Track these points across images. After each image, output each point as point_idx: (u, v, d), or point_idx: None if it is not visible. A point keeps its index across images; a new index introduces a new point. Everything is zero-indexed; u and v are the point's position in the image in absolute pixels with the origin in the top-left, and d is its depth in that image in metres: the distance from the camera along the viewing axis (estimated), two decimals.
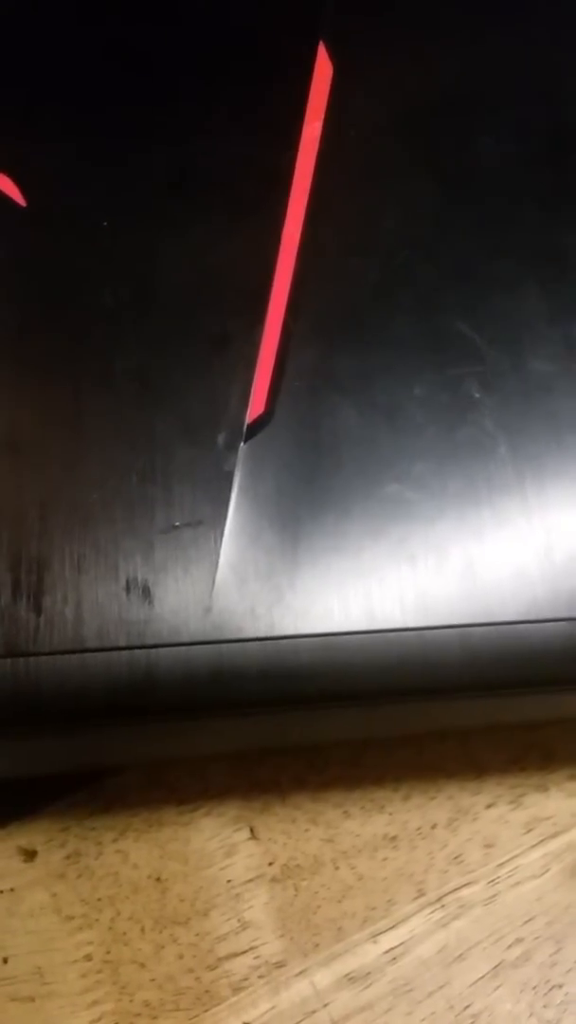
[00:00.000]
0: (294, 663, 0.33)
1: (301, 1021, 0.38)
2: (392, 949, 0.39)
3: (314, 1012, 0.38)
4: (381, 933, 0.40)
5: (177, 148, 0.40)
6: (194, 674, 0.33)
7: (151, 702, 0.33)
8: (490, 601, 0.34)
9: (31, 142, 0.39)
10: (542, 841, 0.42)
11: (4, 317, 0.36)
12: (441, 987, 0.39)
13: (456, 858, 0.41)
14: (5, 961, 0.38)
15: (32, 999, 0.37)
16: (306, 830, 0.41)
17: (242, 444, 0.35)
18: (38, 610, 0.32)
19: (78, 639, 0.32)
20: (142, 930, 0.39)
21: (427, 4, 0.43)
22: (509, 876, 0.41)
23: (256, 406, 0.36)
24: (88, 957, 0.38)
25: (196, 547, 0.34)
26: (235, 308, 0.37)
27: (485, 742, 0.43)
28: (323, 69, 0.41)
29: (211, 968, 0.38)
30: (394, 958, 0.39)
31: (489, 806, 0.42)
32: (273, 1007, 0.38)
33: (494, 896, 0.41)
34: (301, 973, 0.39)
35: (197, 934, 0.39)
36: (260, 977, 0.38)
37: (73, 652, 0.32)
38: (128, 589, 0.33)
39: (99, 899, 0.39)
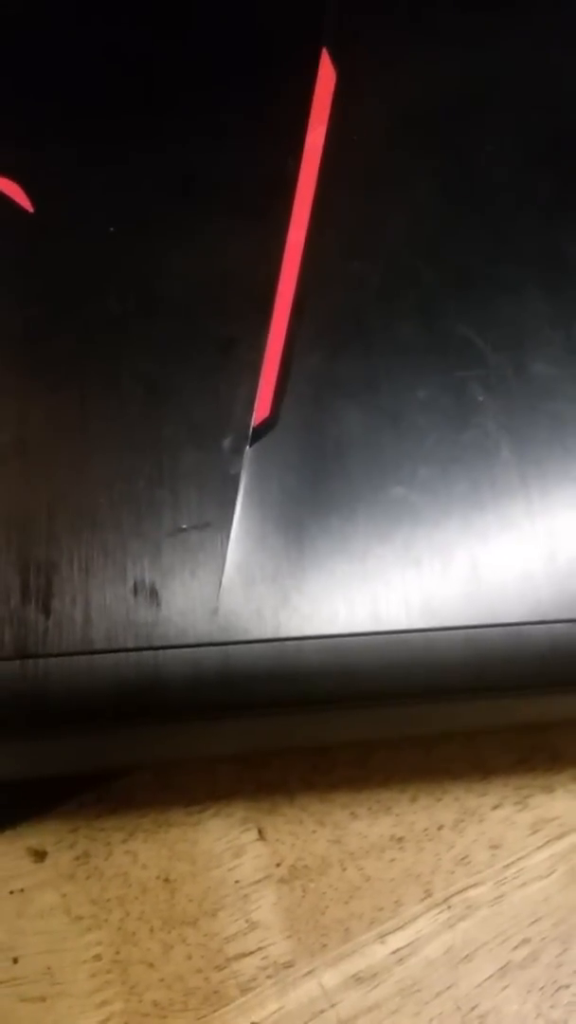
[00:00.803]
0: (300, 664, 0.34)
1: (309, 1021, 0.38)
2: (399, 950, 0.39)
3: (322, 1012, 0.38)
4: (388, 934, 0.40)
5: (182, 154, 0.40)
6: (201, 676, 0.33)
7: (159, 703, 0.33)
8: (495, 603, 0.34)
9: (38, 148, 0.39)
10: (548, 842, 0.42)
11: (12, 322, 0.37)
12: (448, 988, 0.39)
13: (463, 859, 0.41)
14: (15, 961, 0.38)
15: (42, 999, 0.38)
16: (313, 831, 0.41)
17: (248, 447, 0.36)
18: (47, 612, 0.33)
19: (86, 641, 0.33)
20: (151, 930, 0.39)
21: (429, 10, 0.44)
22: (515, 877, 0.41)
23: (261, 410, 0.36)
24: (97, 957, 0.39)
25: (203, 549, 0.34)
26: (240, 313, 0.37)
27: (491, 743, 0.43)
28: (326, 75, 0.42)
29: (219, 968, 0.39)
30: (401, 959, 0.39)
31: (495, 807, 0.42)
32: (281, 1007, 0.38)
33: (501, 897, 0.41)
34: (309, 973, 0.39)
35: (206, 934, 0.39)
36: (268, 977, 0.39)
37: (81, 654, 0.33)
38: (136, 591, 0.33)
39: (108, 899, 0.40)
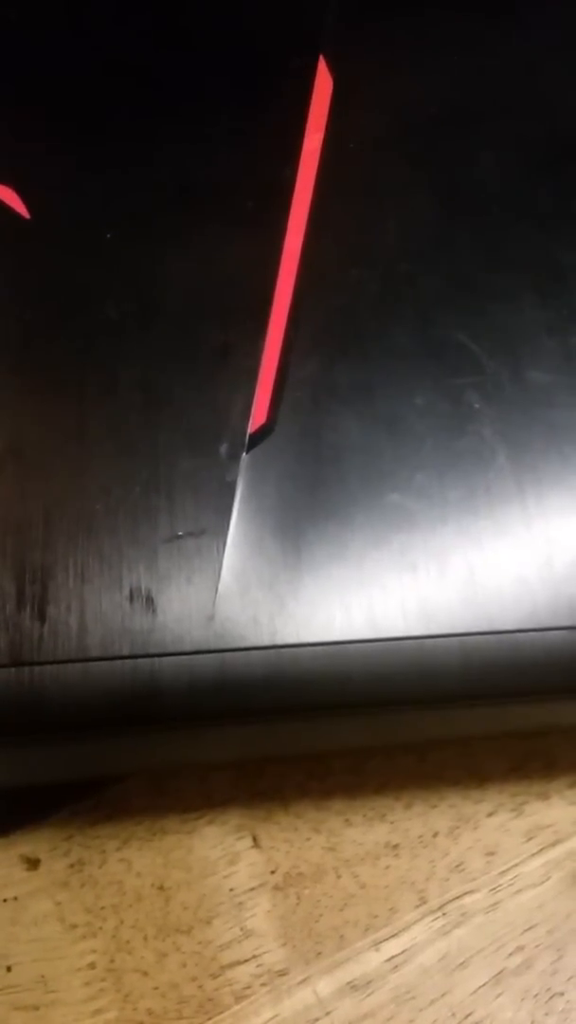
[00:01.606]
0: (296, 672, 0.34)
1: None
2: (394, 957, 0.39)
3: (317, 1020, 0.38)
4: (383, 941, 0.40)
5: (179, 161, 0.40)
6: (197, 683, 0.33)
7: (154, 711, 0.33)
8: (491, 610, 0.34)
9: (35, 155, 0.39)
10: (543, 849, 0.42)
11: (8, 328, 0.37)
12: (443, 995, 0.39)
13: (458, 866, 0.41)
14: (9, 970, 0.38)
15: (36, 1007, 0.38)
16: (308, 838, 0.41)
17: (244, 454, 0.36)
18: (42, 619, 0.33)
19: (82, 648, 0.33)
20: (145, 938, 0.39)
21: (426, 18, 0.44)
22: (510, 884, 0.41)
23: (258, 417, 0.36)
24: (92, 965, 0.38)
25: (199, 556, 0.34)
26: (237, 320, 0.37)
27: (487, 750, 0.43)
28: (323, 83, 0.42)
29: (214, 976, 0.39)
30: (396, 966, 0.39)
31: (490, 814, 0.42)
32: (276, 1015, 0.38)
33: (495, 904, 0.41)
34: (304, 981, 0.39)
35: (200, 942, 0.39)
36: (263, 985, 0.39)
37: (77, 661, 0.33)
38: (131, 598, 0.33)
39: (103, 907, 0.39)
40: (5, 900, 0.39)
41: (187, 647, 0.33)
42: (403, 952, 0.40)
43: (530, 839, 0.42)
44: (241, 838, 0.41)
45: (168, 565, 0.34)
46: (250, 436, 0.36)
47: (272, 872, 0.40)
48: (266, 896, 0.40)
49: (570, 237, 0.40)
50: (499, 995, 0.39)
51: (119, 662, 0.33)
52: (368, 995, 0.39)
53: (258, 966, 0.39)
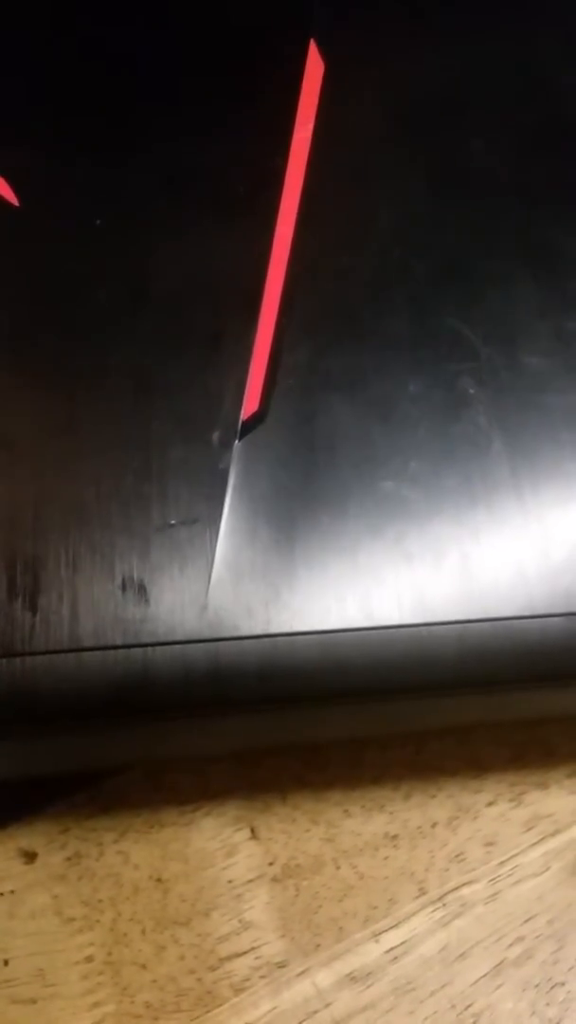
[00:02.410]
0: (291, 661, 0.33)
1: (303, 1021, 0.38)
2: (393, 948, 0.39)
3: (316, 1012, 0.38)
4: (382, 932, 0.39)
5: (170, 147, 0.40)
6: (190, 672, 0.33)
7: (148, 700, 0.33)
8: (487, 597, 0.34)
9: (24, 143, 0.39)
10: (543, 839, 0.42)
11: None
12: (443, 986, 0.39)
13: (457, 856, 0.41)
14: (6, 963, 0.38)
15: (33, 1001, 0.37)
16: (307, 830, 0.41)
17: (237, 442, 0.35)
18: (34, 609, 0.32)
19: (74, 638, 0.32)
20: (143, 931, 0.39)
21: (417, 2, 0.43)
22: (510, 874, 0.41)
23: (250, 404, 0.36)
24: (89, 959, 0.38)
25: (192, 545, 0.34)
26: (229, 307, 0.37)
27: (485, 740, 0.43)
28: (314, 67, 0.41)
29: (212, 969, 0.38)
30: (395, 957, 0.39)
31: (490, 804, 0.42)
32: (275, 1007, 0.38)
33: (495, 894, 0.40)
34: (302, 973, 0.39)
35: (198, 935, 0.39)
36: (261, 977, 0.38)
37: (69, 651, 0.32)
38: (124, 588, 0.33)
39: (100, 900, 0.39)
40: (2, 894, 0.39)
41: (180, 636, 0.33)
42: (403, 943, 0.39)
43: (529, 829, 0.42)
44: (239, 830, 0.41)
45: (161, 554, 0.34)
46: (242, 424, 0.36)
47: (270, 864, 0.40)
48: (264, 888, 0.40)
49: (563, 222, 0.40)
50: (499, 986, 0.39)
51: (112, 652, 0.32)
52: (368, 987, 0.38)
53: (257, 958, 0.39)
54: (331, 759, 0.42)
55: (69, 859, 0.40)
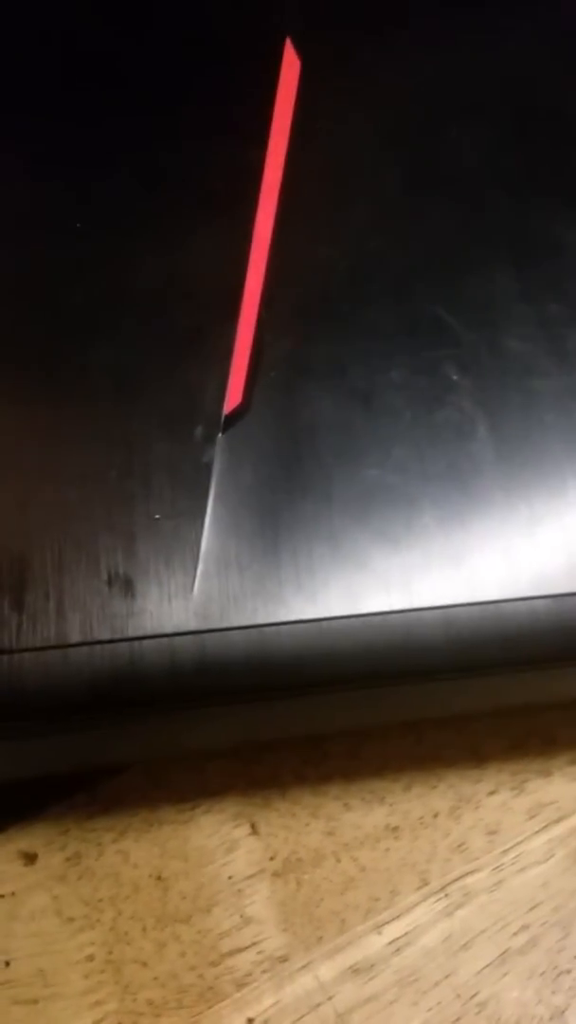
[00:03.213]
0: (279, 650, 0.33)
1: (306, 1015, 0.38)
2: (396, 940, 0.39)
3: (319, 1005, 0.38)
4: (385, 924, 0.39)
5: (148, 146, 0.40)
6: (179, 665, 0.33)
7: (137, 694, 0.33)
8: (473, 581, 0.34)
9: (1, 145, 0.39)
10: (546, 827, 0.41)
11: None
12: (447, 976, 0.38)
13: (459, 846, 0.41)
14: (7, 964, 0.38)
15: (35, 1001, 0.37)
16: (307, 824, 0.41)
17: (220, 436, 0.35)
18: (20, 607, 0.33)
19: (61, 634, 0.32)
20: (144, 929, 0.39)
21: None
22: (513, 863, 0.41)
23: (233, 398, 0.36)
24: (90, 958, 0.38)
25: (177, 539, 0.34)
26: (209, 301, 0.37)
27: (485, 729, 0.43)
28: (290, 65, 0.42)
29: (214, 965, 0.38)
30: (398, 948, 0.39)
31: (491, 793, 0.42)
32: (277, 1001, 0.38)
33: (499, 883, 0.40)
34: (305, 967, 0.38)
35: (199, 931, 0.39)
36: (264, 972, 0.38)
37: (57, 647, 0.32)
38: (110, 583, 0.33)
39: (100, 900, 0.39)
40: (3, 896, 0.39)
41: (167, 629, 0.33)
42: (405, 934, 0.39)
43: (532, 817, 0.41)
44: (239, 826, 0.41)
45: (146, 548, 0.34)
46: (225, 417, 0.36)
47: (271, 859, 0.40)
48: (265, 883, 0.40)
49: (541, 207, 0.40)
50: (505, 975, 0.39)
51: (99, 647, 0.33)
52: (371, 979, 0.38)
53: (258, 953, 0.39)
54: (330, 752, 0.42)
55: (69, 859, 0.40)
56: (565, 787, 0.42)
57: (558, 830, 0.41)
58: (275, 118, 0.41)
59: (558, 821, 0.42)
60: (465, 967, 0.39)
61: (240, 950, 0.39)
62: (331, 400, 0.36)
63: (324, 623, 0.33)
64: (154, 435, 0.35)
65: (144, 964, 0.38)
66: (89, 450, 0.35)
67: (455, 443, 0.36)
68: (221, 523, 0.34)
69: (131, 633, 0.33)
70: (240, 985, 0.38)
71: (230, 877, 0.40)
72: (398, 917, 0.39)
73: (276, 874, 0.40)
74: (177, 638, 0.33)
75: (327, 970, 0.38)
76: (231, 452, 0.35)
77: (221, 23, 0.42)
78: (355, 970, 0.38)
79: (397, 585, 0.34)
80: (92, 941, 0.38)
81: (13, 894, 0.39)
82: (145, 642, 0.33)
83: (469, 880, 0.40)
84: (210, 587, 0.33)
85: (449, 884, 0.40)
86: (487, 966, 0.39)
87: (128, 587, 0.33)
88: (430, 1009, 0.38)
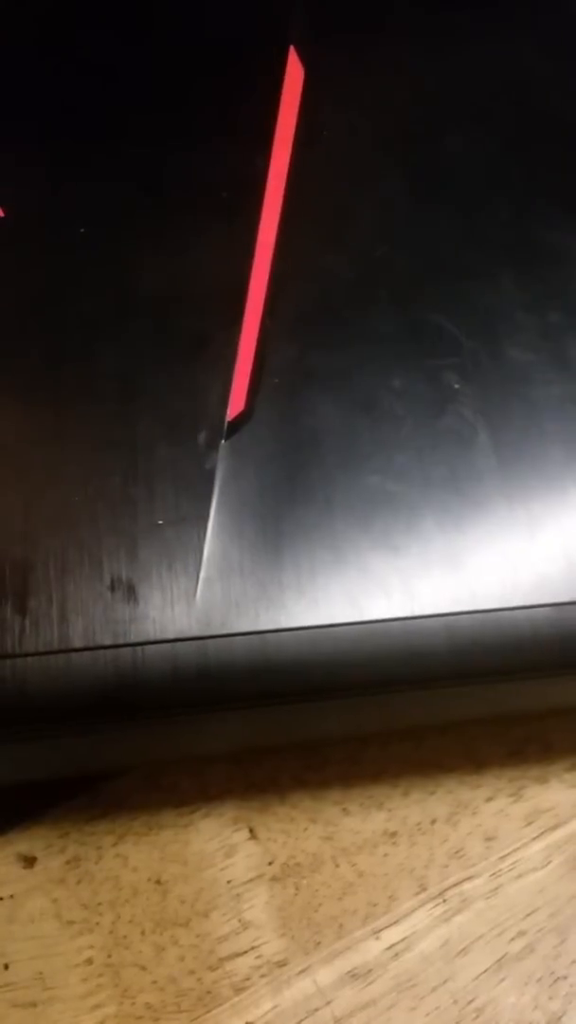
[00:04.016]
0: (280, 657, 0.33)
1: (304, 1019, 0.38)
2: (394, 945, 0.39)
3: (317, 1010, 0.38)
4: (383, 929, 0.39)
5: (153, 154, 0.40)
6: (180, 670, 0.33)
7: (139, 699, 0.33)
8: (474, 589, 0.34)
9: (7, 152, 0.39)
10: (543, 833, 0.42)
11: None
12: (444, 982, 0.39)
13: (457, 852, 0.41)
14: (6, 967, 0.38)
15: (34, 1004, 0.37)
16: (305, 828, 0.41)
17: (223, 442, 0.35)
18: (23, 611, 0.33)
19: (64, 639, 0.33)
20: (143, 933, 0.39)
21: (394, 6, 0.44)
22: (511, 869, 0.41)
23: (236, 404, 0.36)
24: (89, 961, 0.38)
25: (180, 544, 0.34)
26: (213, 308, 0.38)
27: (483, 735, 0.43)
28: (294, 73, 0.42)
29: (212, 969, 0.38)
30: (396, 954, 0.39)
31: (489, 799, 0.42)
32: (276, 1006, 0.38)
33: (496, 889, 0.40)
34: (303, 971, 0.38)
35: (198, 935, 0.39)
36: (262, 976, 0.38)
37: (59, 652, 0.33)
38: (113, 588, 0.33)
39: (99, 903, 0.39)
40: (2, 899, 0.39)
41: (170, 635, 0.33)
42: (403, 940, 0.39)
43: (530, 823, 0.42)
44: (238, 830, 0.41)
45: (149, 554, 0.34)
46: (228, 423, 0.36)
47: (269, 863, 0.40)
48: (264, 887, 0.40)
49: (544, 216, 0.40)
50: (502, 980, 0.39)
51: (102, 652, 0.33)
52: (369, 984, 0.38)
53: (257, 957, 0.39)
54: (329, 757, 0.42)
55: (68, 863, 0.40)
56: (562, 794, 0.42)
57: (555, 836, 0.42)
58: (279, 126, 0.41)
59: (555, 828, 0.42)
60: (462, 973, 0.39)
61: (239, 954, 0.39)
62: (333, 407, 0.36)
63: (325, 630, 0.34)
64: (158, 441, 0.35)
65: (143, 968, 0.38)
66: (93, 455, 0.35)
67: (456, 451, 0.36)
68: (224, 529, 0.34)
69: (134, 638, 0.33)
70: (238, 989, 0.38)
71: (229, 881, 0.40)
72: (396, 922, 0.39)
73: (275, 879, 0.40)
74: (179, 644, 0.33)
75: (325, 975, 0.38)
76: (234, 458, 0.35)
77: (227, 32, 0.43)
78: (353, 975, 0.38)
79: (398, 592, 0.34)
80: (91, 944, 0.38)
81: (12, 897, 0.39)
82: (147, 647, 0.33)
83: (467, 886, 0.40)
84: (212, 593, 0.34)
85: (447, 890, 0.40)
86: (484, 972, 0.39)
87: (131, 592, 0.33)
88: (428, 1014, 0.38)
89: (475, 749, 0.43)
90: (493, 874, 0.41)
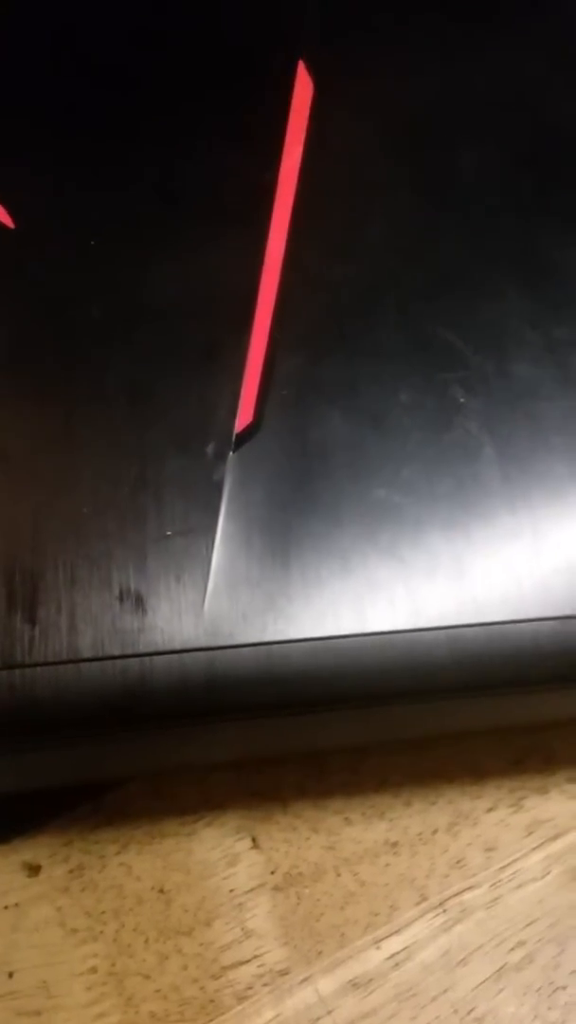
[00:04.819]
0: (287, 668, 0.34)
1: None
2: (395, 954, 0.39)
3: (318, 1019, 0.38)
4: (384, 939, 0.40)
5: (162, 164, 0.40)
6: (188, 681, 0.33)
7: (146, 710, 0.33)
8: (479, 602, 0.35)
9: (17, 164, 0.40)
10: (543, 844, 0.42)
11: None
12: (444, 991, 0.39)
13: (458, 862, 0.41)
14: (11, 976, 0.38)
15: (38, 1013, 0.38)
16: (307, 838, 0.41)
17: (231, 453, 0.36)
18: (32, 621, 0.33)
19: (73, 649, 0.33)
20: (146, 941, 0.39)
21: (404, 19, 0.44)
22: (511, 879, 0.41)
23: (244, 416, 0.36)
24: (93, 970, 0.38)
25: (188, 555, 0.34)
26: (222, 320, 0.38)
27: (484, 746, 0.43)
28: (304, 86, 0.42)
29: (215, 977, 0.39)
30: (397, 963, 0.39)
31: (490, 810, 0.42)
32: (278, 1015, 0.38)
33: (496, 899, 0.41)
34: (305, 980, 0.39)
35: (201, 944, 0.39)
36: (264, 985, 0.38)
37: (68, 662, 0.33)
38: (121, 598, 0.33)
39: (103, 912, 0.39)
40: (6, 907, 0.39)
41: (178, 646, 0.33)
42: (404, 949, 0.39)
43: (530, 834, 0.42)
44: (240, 839, 0.41)
45: (157, 565, 0.34)
46: (237, 435, 0.36)
47: (272, 872, 0.40)
48: (266, 896, 0.40)
49: (551, 231, 0.40)
50: (501, 990, 0.39)
51: (110, 662, 0.33)
52: (370, 993, 0.39)
53: (259, 966, 0.39)
54: (331, 767, 0.42)
55: (72, 871, 0.40)
56: (563, 805, 0.43)
57: (555, 847, 0.42)
58: (288, 137, 0.41)
59: (555, 838, 0.42)
60: (462, 982, 0.39)
61: (241, 963, 0.39)
62: (341, 419, 0.37)
63: (332, 641, 0.34)
64: (166, 452, 0.36)
65: (146, 976, 0.38)
66: (102, 466, 0.35)
67: (462, 464, 0.37)
68: (232, 540, 0.35)
69: (142, 649, 0.33)
70: (241, 998, 0.38)
71: (231, 890, 0.40)
72: (397, 932, 0.40)
73: (277, 888, 0.40)
74: (187, 654, 0.33)
75: (327, 984, 0.39)
76: (242, 469, 0.36)
77: (237, 43, 0.43)
78: (354, 984, 0.39)
79: (404, 605, 0.34)
80: (95, 953, 0.39)
81: (17, 905, 0.39)
82: (155, 658, 0.33)
83: (467, 896, 0.41)
84: (220, 604, 0.34)
85: (447, 900, 0.41)
86: (484, 982, 0.39)
87: (139, 603, 0.34)
88: None
89: (476, 760, 0.43)
90: (493, 884, 0.41)
